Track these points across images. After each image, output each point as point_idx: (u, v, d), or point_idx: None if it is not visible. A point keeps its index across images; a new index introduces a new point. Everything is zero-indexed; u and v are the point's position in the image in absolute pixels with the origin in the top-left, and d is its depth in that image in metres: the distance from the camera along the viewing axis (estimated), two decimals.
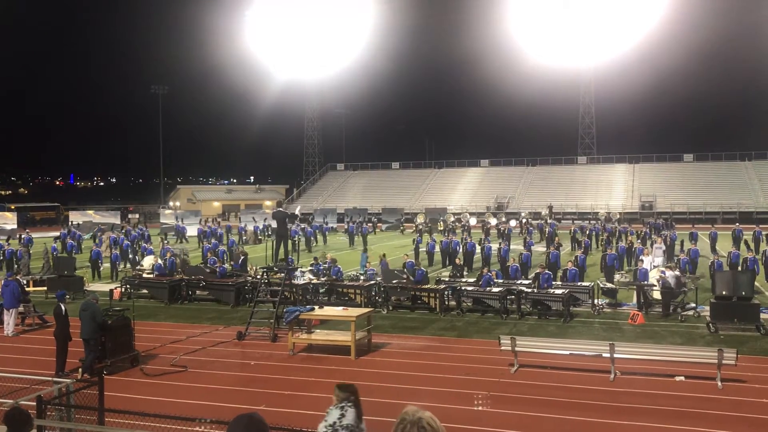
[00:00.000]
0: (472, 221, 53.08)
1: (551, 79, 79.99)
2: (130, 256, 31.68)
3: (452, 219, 55.26)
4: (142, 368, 13.71)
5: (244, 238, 45.25)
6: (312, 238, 42.05)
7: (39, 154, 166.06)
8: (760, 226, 36.05)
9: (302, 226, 43.73)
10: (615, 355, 12.51)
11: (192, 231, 47.02)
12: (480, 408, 11.08)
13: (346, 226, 47.37)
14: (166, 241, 37.32)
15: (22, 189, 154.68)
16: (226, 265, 25.06)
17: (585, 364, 13.12)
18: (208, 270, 23.70)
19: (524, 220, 49.21)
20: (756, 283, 21.03)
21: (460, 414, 10.72)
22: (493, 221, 52.06)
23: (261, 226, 46.36)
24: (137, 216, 79.21)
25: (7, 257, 31.07)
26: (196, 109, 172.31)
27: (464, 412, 10.85)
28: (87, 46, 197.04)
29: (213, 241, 35.77)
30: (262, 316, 17.26)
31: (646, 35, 70.09)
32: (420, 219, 51.13)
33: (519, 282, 20.70)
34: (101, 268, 28.88)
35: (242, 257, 25.69)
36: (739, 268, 23.14)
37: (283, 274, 18.53)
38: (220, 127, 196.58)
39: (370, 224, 51.35)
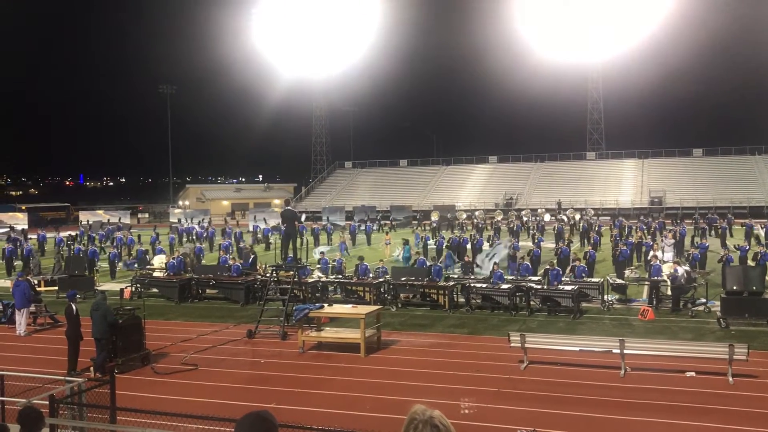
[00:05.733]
0: (547, 217, 50.44)
1: (559, 75, 79.90)
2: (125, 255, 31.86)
3: (464, 216, 55.04)
4: (153, 367, 13.80)
5: (259, 236, 44.93)
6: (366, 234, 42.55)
7: (49, 155, 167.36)
8: None
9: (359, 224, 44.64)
10: (625, 351, 12.48)
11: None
12: (481, 405, 11.08)
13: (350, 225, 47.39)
14: (157, 242, 37.70)
15: (32, 189, 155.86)
16: (238, 263, 25.14)
17: (595, 361, 13.08)
18: (227, 266, 23.78)
19: (542, 218, 48.14)
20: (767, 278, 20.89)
21: (469, 411, 10.72)
22: (499, 217, 51.83)
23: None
24: (146, 215, 79.66)
25: (7, 255, 30.86)
26: (204, 108, 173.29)
27: (474, 409, 10.84)
28: (95, 46, 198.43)
29: (225, 241, 36.03)
30: (272, 314, 17.31)
31: (655, 30, 69.80)
32: (434, 216, 50.79)
33: (528, 279, 20.65)
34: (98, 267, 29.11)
35: (252, 256, 25.78)
36: (749, 262, 22.96)
37: (292, 272, 18.55)
38: (228, 126, 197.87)
39: (376, 222, 51.34)
